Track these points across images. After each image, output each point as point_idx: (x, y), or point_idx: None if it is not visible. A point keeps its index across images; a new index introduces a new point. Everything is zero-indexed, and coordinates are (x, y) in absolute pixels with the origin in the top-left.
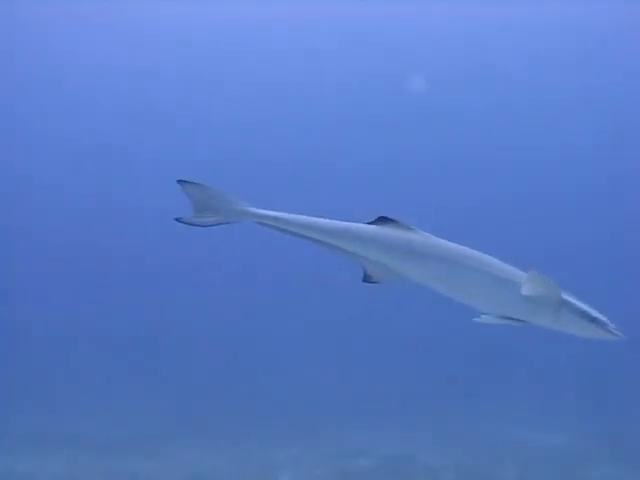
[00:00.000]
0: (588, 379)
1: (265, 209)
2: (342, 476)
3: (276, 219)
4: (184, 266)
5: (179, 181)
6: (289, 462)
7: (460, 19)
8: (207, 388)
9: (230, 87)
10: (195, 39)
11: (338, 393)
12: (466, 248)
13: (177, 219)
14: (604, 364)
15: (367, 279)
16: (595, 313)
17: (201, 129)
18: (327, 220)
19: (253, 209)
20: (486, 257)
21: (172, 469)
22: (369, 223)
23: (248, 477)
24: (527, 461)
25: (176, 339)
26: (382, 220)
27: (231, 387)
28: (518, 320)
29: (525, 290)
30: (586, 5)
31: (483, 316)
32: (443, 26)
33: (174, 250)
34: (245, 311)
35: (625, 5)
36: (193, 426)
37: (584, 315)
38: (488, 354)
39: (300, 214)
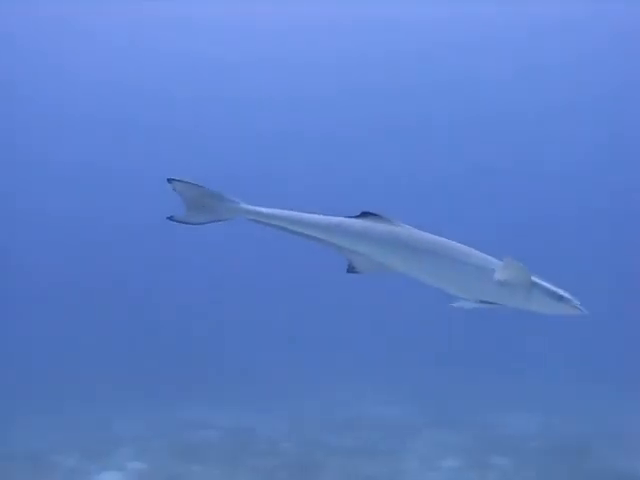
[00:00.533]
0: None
1: (256, 206)
2: (182, 448)
3: (268, 216)
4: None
5: (169, 180)
6: (129, 435)
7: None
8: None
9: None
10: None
11: (176, 369)
12: (445, 239)
13: (169, 218)
14: (430, 345)
15: (351, 270)
16: (562, 292)
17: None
18: (318, 216)
19: (245, 206)
20: (464, 247)
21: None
22: (354, 217)
23: (88, 452)
24: (363, 429)
25: None
26: (365, 215)
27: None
28: (493, 303)
29: (500, 276)
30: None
31: (461, 301)
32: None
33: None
34: None
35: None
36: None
37: (552, 295)
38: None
39: (291, 210)
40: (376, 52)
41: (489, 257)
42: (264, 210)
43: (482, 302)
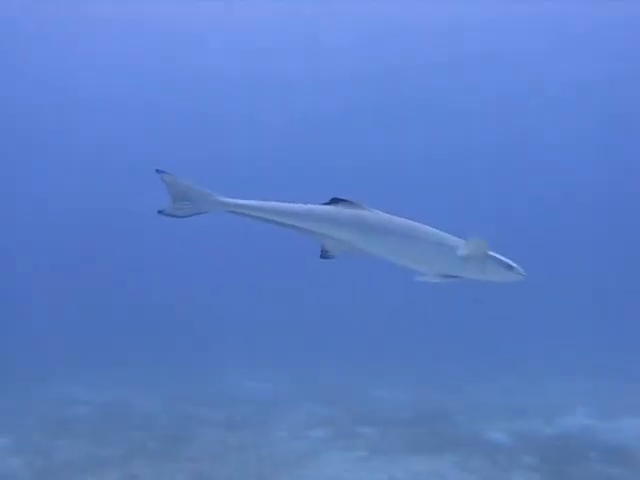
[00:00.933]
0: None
1: (236, 198)
2: (53, 423)
3: (246, 207)
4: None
5: (157, 170)
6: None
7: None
8: None
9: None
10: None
11: (52, 348)
12: (410, 221)
13: (160, 212)
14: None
15: (324, 255)
16: (511, 262)
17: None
18: (291, 204)
19: (225, 199)
20: (427, 227)
21: None
22: (324, 204)
23: None
24: (235, 404)
25: None
26: (335, 201)
27: None
28: (453, 276)
29: (462, 251)
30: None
31: (424, 276)
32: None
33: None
34: None
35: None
36: None
37: (504, 265)
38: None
39: (266, 200)
40: (345, 36)
41: (448, 235)
42: (242, 202)
43: (444, 276)
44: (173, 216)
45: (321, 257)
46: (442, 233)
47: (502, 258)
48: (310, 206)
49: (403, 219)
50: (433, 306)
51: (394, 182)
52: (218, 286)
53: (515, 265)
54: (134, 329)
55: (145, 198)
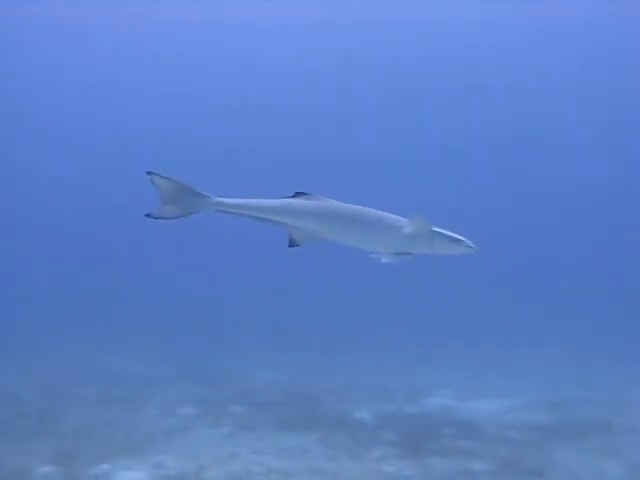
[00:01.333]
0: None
1: (224, 197)
2: None
3: (233, 205)
4: None
5: (148, 172)
6: None
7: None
8: None
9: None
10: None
11: None
12: (364, 207)
13: (147, 215)
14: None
15: (292, 244)
16: (457, 236)
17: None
18: (269, 200)
19: (214, 199)
20: (378, 212)
21: None
22: (290, 197)
23: None
24: (110, 382)
25: None
26: (298, 194)
27: None
28: (404, 253)
29: (408, 230)
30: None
31: (378, 254)
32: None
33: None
34: None
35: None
36: None
37: (450, 239)
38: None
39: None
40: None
41: (398, 217)
42: (228, 201)
43: (396, 253)
44: (162, 219)
45: (289, 246)
46: (392, 216)
47: (448, 233)
48: (286, 201)
49: (357, 206)
50: (316, 294)
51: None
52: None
53: (462, 239)
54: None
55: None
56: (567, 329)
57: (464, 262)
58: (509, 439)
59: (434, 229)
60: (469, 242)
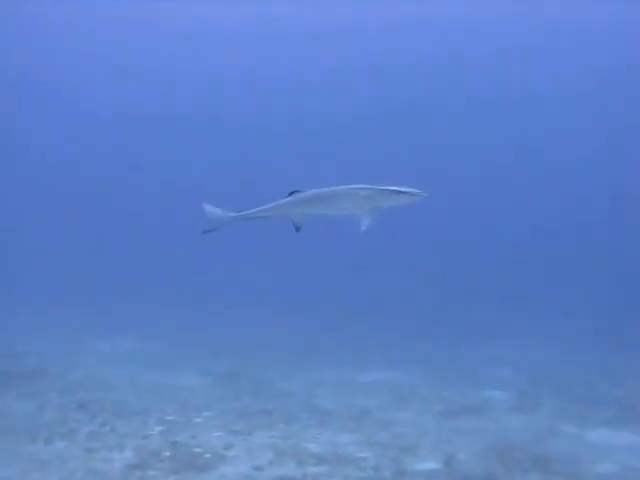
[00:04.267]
0: None
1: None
2: None
3: (248, 216)
4: None
5: (202, 206)
6: None
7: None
8: None
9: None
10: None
11: None
12: (331, 187)
13: (204, 232)
14: None
15: (297, 229)
16: (402, 189)
17: None
18: (268, 205)
19: (234, 214)
20: (340, 187)
21: None
22: (291, 193)
23: None
24: None
25: None
26: (293, 192)
27: None
28: (365, 211)
29: (362, 193)
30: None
31: (364, 223)
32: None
33: None
34: None
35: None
36: None
37: (397, 192)
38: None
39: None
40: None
41: (359, 185)
42: (245, 213)
43: (370, 212)
44: (212, 231)
45: (296, 231)
46: (350, 186)
47: (394, 188)
48: (291, 199)
49: (328, 188)
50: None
51: None
52: None
53: (406, 189)
54: None
55: None
56: None
57: None
58: None
59: (382, 187)
60: (414, 191)
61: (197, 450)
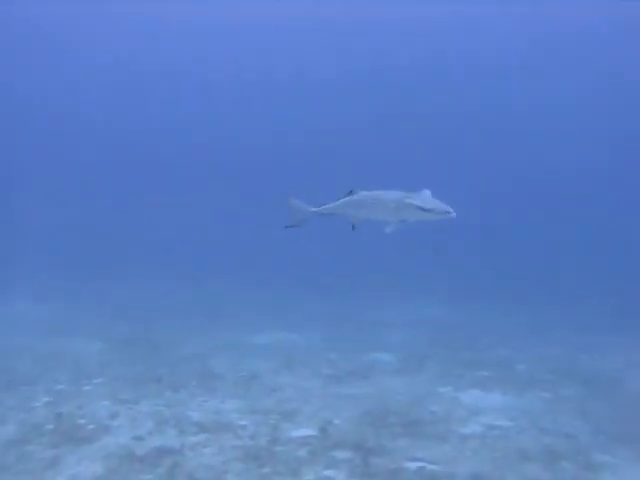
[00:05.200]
0: None
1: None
2: None
3: (323, 211)
4: None
5: (285, 195)
6: None
7: None
8: None
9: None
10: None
11: None
12: (379, 192)
13: (287, 226)
14: None
15: (354, 228)
16: (428, 206)
17: None
18: (334, 203)
19: (314, 209)
20: (392, 192)
21: None
22: (350, 192)
23: None
24: None
25: None
26: (350, 192)
27: None
28: (406, 221)
29: (392, 205)
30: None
31: (390, 226)
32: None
33: None
34: None
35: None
36: None
37: (420, 208)
38: None
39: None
40: None
41: (406, 193)
42: (321, 208)
43: (396, 222)
44: (295, 227)
45: (353, 229)
46: (401, 193)
47: (420, 204)
48: (352, 198)
49: (378, 191)
50: None
51: None
52: None
53: (432, 207)
54: None
55: None
56: None
57: None
58: None
59: (410, 201)
60: (441, 209)
61: (81, 421)
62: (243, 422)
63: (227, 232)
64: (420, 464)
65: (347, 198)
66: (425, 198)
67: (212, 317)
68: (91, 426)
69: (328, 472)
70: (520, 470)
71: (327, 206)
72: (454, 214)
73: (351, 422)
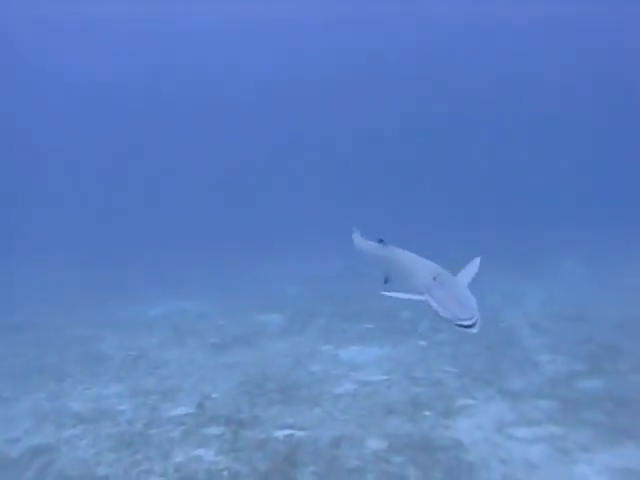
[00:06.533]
0: None
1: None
2: None
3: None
4: None
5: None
6: None
7: None
8: None
9: None
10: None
11: None
12: (408, 254)
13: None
14: None
15: (386, 280)
16: (449, 314)
17: None
18: (371, 247)
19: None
20: (418, 258)
21: None
22: (380, 241)
23: None
24: None
25: None
26: (380, 241)
27: None
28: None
29: (422, 280)
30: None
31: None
32: None
33: None
34: None
35: None
36: None
37: (439, 312)
38: None
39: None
40: None
41: (427, 263)
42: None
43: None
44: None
45: (385, 282)
46: (426, 262)
47: (437, 307)
48: (381, 251)
49: (406, 253)
50: None
51: None
52: None
53: (446, 316)
54: None
55: None
56: None
57: None
58: None
59: (429, 302)
60: (455, 319)
61: None
62: (122, 407)
63: (131, 201)
64: (289, 432)
65: (379, 250)
66: (453, 290)
67: (109, 294)
68: None
69: (199, 451)
70: (382, 426)
71: (362, 244)
72: (474, 330)
73: (228, 394)
